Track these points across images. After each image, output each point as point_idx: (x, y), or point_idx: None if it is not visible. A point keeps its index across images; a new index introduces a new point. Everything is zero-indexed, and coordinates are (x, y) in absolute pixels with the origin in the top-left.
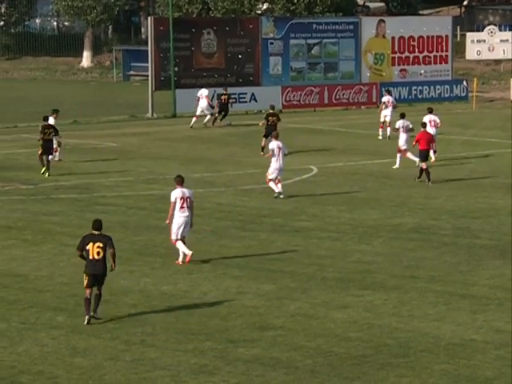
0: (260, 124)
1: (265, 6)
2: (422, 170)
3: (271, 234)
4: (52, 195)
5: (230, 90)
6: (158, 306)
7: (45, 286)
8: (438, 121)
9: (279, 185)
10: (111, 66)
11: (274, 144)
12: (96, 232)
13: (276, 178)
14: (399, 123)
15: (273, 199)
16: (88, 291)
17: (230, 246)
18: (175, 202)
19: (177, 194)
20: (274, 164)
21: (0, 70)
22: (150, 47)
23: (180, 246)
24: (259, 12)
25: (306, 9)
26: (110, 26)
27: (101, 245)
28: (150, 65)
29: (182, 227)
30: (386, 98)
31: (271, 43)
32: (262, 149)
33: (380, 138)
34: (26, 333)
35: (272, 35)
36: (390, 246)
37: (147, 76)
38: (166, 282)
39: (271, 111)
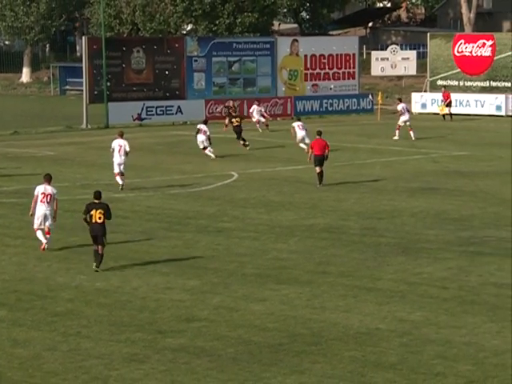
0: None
1: (189, 27)
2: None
3: (196, 234)
4: None
5: (158, 103)
6: (92, 300)
7: None
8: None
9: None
10: (49, 82)
11: (41, 187)
12: (97, 201)
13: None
14: (400, 106)
15: (198, 202)
16: (95, 245)
17: (158, 246)
18: (38, 196)
19: (40, 189)
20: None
21: None
22: (84, 64)
23: (39, 235)
24: (184, 32)
25: (226, 29)
26: (48, 45)
27: (102, 211)
28: (84, 80)
29: (42, 218)
30: (400, 106)
31: (195, 60)
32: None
33: (396, 138)
34: None
35: (196, 53)
36: (304, 244)
37: (82, 90)
38: (99, 279)
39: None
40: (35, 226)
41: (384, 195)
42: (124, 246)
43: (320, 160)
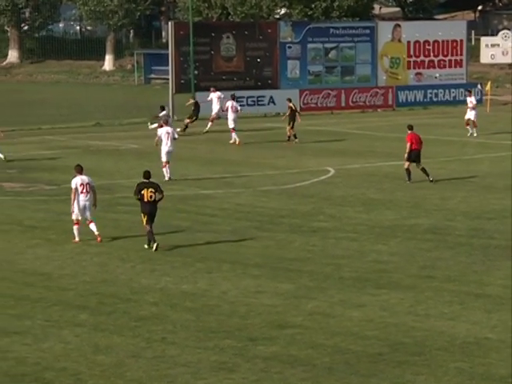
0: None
1: (283, 11)
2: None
3: (289, 234)
4: None
5: (249, 92)
6: (178, 304)
7: (68, 285)
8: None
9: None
10: (133, 70)
11: (77, 179)
12: (146, 180)
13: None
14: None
15: (291, 200)
16: (148, 226)
17: (248, 246)
18: (76, 189)
19: (77, 180)
20: (165, 148)
21: (24, 73)
22: (170, 51)
23: (75, 229)
24: (277, 17)
25: (323, 14)
26: (132, 31)
27: (153, 190)
28: (170, 68)
29: (82, 210)
30: (469, 99)
31: (289, 47)
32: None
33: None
34: (50, 330)
35: (290, 39)
36: (406, 246)
37: (168, 79)
38: (186, 281)
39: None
40: (74, 217)
41: (493, 193)
42: (212, 246)
43: (418, 155)
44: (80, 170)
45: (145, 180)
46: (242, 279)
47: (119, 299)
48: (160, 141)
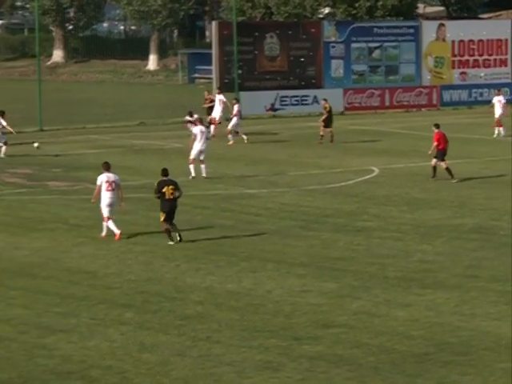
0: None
1: (326, 10)
2: (441, 168)
3: (334, 233)
4: None
5: (292, 92)
6: (223, 303)
7: (113, 283)
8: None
9: (202, 166)
10: (177, 69)
11: (103, 176)
12: (165, 177)
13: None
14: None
15: (336, 199)
16: (165, 224)
17: (293, 245)
18: (101, 185)
19: (103, 178)
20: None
21: (69, 72)
22: (214, 50)
23: (110, 224)
24: (321, 16)
25: (367, 13)
26: (176, 30)
27: (173, 187)
28: (214, 68)
29: (110, 207)
30: (497, 98)
31: (333, 46)
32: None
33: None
34: (96, 328)
35: (334, 39)
36: (451, 245)
37: (211, 78)
38: (230, 280)
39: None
40: (105, 215)
41: None
42: (256, 245)
43: (444, 154)
44: (107, 167)
45: (164, 178)
46: (286, 278)
47: (164, 298)
48: (195, 139)
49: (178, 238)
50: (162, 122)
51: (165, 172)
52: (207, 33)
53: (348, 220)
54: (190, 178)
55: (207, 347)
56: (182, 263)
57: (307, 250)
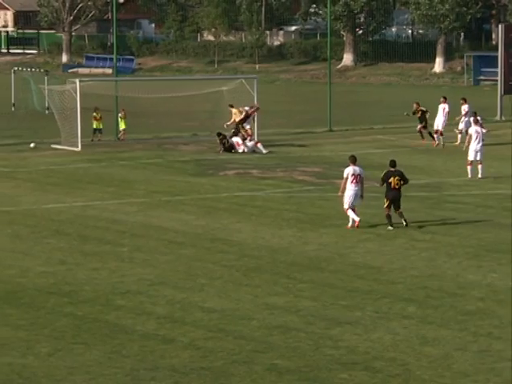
0: None
1: None
2: None
3: None
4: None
5: None
6: (504, 300)
7: (397, 278)
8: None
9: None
10: (462, 72)
11: (349, 169)
12: (393, 168)
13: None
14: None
15: None
16: (388, 210)
17: None
18: (347, 178)
19: (349, 170)
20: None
21: (357, 75)
22: (499, 53)
23: (350, 213)
24: None
25: None
26: (462, 33)
27: (399, 177)
28: (499, 70)
29: (352, 198)
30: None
31: None
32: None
33: None
34: (379, 321)
35: None
36: None
37: (496, 81)
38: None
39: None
40: (346, 206)
41: None
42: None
43: None
44: (354, 161)
45: (391, 169)
46: None
47: (446, 293)
48: (470, 140)
49: (404, 223)
50: (448, 123)
51: (392, 163)
52: (493, 35)
53: None
54: (468, 178)
55: (488, 343)
56: (463, 260)
57: None
